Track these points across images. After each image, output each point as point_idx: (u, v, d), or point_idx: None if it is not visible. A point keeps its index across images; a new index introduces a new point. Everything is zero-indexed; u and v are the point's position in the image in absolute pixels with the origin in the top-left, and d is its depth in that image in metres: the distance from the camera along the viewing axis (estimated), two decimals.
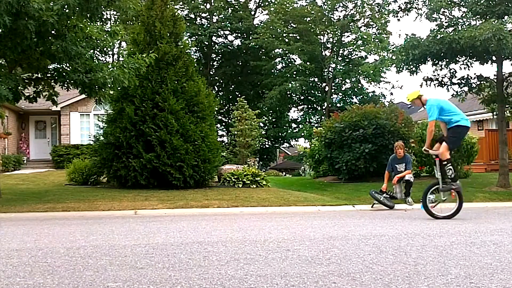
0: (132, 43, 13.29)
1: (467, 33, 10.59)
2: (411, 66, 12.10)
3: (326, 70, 31.57)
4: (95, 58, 10.39)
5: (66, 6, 8.57)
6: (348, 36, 31.80)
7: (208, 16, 36.20)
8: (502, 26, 10.28)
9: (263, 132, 28.13)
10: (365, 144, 13.82)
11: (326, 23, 30.68)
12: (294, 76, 32.39)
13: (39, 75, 10.73)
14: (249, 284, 2.95)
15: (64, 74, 9.93)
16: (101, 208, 8.91)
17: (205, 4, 35.58)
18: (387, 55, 25.25)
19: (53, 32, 9.15)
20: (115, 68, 10.14)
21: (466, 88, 12.83)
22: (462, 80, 12.67)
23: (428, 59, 12.07)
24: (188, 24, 28.90)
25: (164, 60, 12.58)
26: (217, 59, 38.23)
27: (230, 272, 3.28)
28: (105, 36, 10.14)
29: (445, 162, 6.97)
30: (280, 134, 34.97)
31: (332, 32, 31.02)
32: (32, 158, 22.82)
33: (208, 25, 35.22)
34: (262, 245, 4.46)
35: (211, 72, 36.73)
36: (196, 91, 12.84)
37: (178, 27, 13.40)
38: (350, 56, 32.28)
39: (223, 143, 24.11)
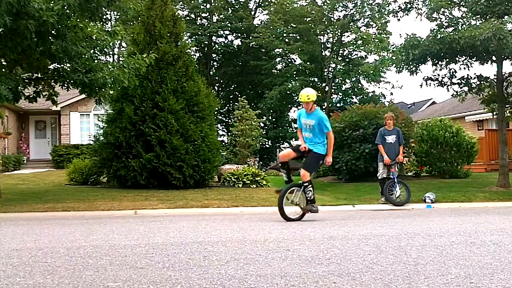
0: (132, 43, 13.29)
1: (467, 32, 10.59)
2: (411, 66, 12.09)
3: (326, 70, 31.54)
4: (95, 58, 10.38)
5: (66, 6, 8.57)
6: (348, 36, 31.75)
7: (208, 16, 36.17)
8: (502, 26, 10.28)
9: (263, 132, 28.06)
10: (365, 144, 13.82)
11: (326, 23, 30.63)
12: (294, 76, 32.36)
13: (39, 75, 10.73)
14: (249, 284, 2.95)
15: (64, 74, 9.92)
16: (101, 208, 8.91)
17: (205, 4, 35.56)
18: (387, 55, 25.25)
19: (53, 32, 9.15)
20: (115, 68, 10.13)
21: (466, 88, 12.83)
22: (462, 80, 12.67)
23: (428, 59, 12.06)
24: (188, 24, 28.85)
25: (164, 60, 12.58)
26: (217, 59, 38.20)
27: (230, 272, 3.28)
28: (105, 36, 10.14)
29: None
30: (280, 134, 34.95)
31: (332, 32, 30.98)
32: (32, 158, 22.83)
33: (208, 25, 35.18)
34: (262, 245, 4.46)
35: (211, 72, 36.70)
36: (196, 91, 12.85)
37: (178, 27, 13.40)
38: (350, 56, 32.21)
39: (223, 143, 24.11)
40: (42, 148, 23.34)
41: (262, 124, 26.18)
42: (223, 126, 35.72)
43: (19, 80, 9.68)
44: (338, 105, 31.98)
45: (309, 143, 7.01)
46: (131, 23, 24.80)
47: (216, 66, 38.26)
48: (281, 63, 36.00)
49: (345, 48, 32.10)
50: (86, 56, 9.70)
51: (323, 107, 32.42)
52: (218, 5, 34.71)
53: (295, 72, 32.55)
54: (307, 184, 6.92)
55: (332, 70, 31.83)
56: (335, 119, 15.28)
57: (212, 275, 3.18)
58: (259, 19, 38.45)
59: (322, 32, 31.47)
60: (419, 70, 12.22)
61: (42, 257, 3.91)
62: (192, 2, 34.24)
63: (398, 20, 28.01)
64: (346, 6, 30.59)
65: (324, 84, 32.70)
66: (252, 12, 37.25)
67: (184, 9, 34.82)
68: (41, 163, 21.56)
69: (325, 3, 30.75)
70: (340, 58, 32.02)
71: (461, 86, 12.77)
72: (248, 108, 21.46)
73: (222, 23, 35.30)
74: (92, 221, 7.17)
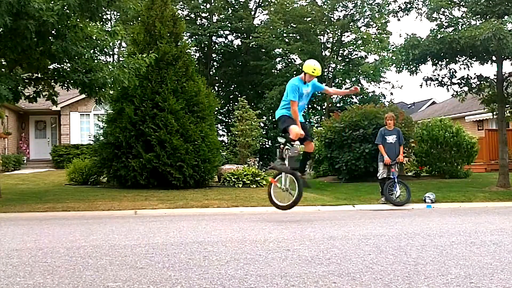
0: (132, 43, 13.30)
1: (467, 32, 10.60)
2: (411, 66, 12.10)
3: (326, 70, 31.54)
4: (95, 58, 10.39)
5: (66, 6, 8.57)
6: (348, 36, 31.76)
7: (208, 16, 36.18)
8: (502, 26, 10.29)
9: (263, 132, 27.99)
10: (365, 144, 13.83)
11: (326, 23, 30.64)
12: (294, 76, 32.34)
13: (39, 75, 10.73)
14: (249, 284, 2.95)
15: (64, 74, 9.93)
16: (101, 208, 8.91)
17: (205, 4, 35.57)
18: (387, 55, 25.24)
19: (53, 32, 9.15)
20: (115, 68, 10.13)
21: (466, 88, 12.84)
22: (462, 80, 12.67)
23: (428, 59, 12.07)
24: (188, 24, 28.84)
25: (164, 60, 12.58)
26: (217, 59, 38.20)
27: (230, 272, 3.28)
28: (105, 36, 10.14)
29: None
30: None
31: (332, 32, 30.99)
32: (32, 158, 22.84)
33: (208, 25, 35.19)
34: (262, 245, 4.46)
35: (211, 72, 36.70)
36: (196, 91, 12.85)
37: (178, 27, 13.41)
38: (350, 56, 32.22)
39: (223, 143, 24.09)
40: (42, 148, 23.36)
41: (262, 124, 26.15)
42: (223, 126, 35.72)
43: (19, 80, 9.68)
44: (338, 105, 31.99)
45: (300, 112, 7.25)
46: (131, 23, 24.81)
47: (216, 66, 38.25)
48: (281, 63, 35.99)
49: (345, 48, 32.10)
50: (86, 56, 9.70)
51: (323, 107, 32.48)
52: (218, 5, 34.70)
53: (295, 72, 32.51)
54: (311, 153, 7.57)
55: (332, 70, 31.82)
56: (335, 119, 15.28)
57: (212, 275, 3.18)
58: (259, 19, 38.46)
59: (322, 32, 31.47)
60: (419, 70, 12.23)
61: (42, 257, 3.91)
62: (192, 2, 34.24)
63: (398, 20, 27.93)
64: (346, 6, 30.58)
65: (324, 84, 32.66)
66: (252, 12, 37.25)
67: (184, 9, 34.82)
68: (41, 163, 21.57)
69: (325, 3, 30.75)
70: (340, 58, 32.02)
71: (461, 86, 12.77)
72: (248, 108, 21.44)
73: (222, 23, 35.29)
74: (92, 221, 7.17)
